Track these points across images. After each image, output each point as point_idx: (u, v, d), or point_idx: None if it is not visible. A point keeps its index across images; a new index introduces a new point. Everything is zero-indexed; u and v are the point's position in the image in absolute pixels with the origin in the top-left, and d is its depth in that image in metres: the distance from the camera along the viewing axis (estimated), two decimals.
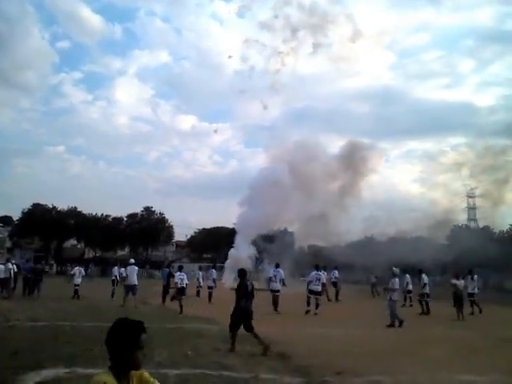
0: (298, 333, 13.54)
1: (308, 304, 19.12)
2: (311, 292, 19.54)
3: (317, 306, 19.04)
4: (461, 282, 19.17)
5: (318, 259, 39.63)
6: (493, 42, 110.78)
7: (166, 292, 21.89)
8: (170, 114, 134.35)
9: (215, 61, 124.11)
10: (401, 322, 15.36)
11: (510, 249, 41.69)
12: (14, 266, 23.97)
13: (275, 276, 19.85)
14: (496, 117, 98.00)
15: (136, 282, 19.93)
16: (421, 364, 9.11)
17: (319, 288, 19.67)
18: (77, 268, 25.25)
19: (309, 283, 19.88)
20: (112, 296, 23.13)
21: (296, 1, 62.90)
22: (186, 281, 19.67)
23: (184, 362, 9.06)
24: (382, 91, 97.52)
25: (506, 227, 59.90)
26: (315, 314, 18.59)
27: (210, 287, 24.29)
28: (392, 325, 15.30)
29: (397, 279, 16.39)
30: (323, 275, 20.48)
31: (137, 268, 20.76)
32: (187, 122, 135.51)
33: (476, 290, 21.12)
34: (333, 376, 8.10)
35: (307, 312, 18.62)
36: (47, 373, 7.73)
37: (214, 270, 26.25)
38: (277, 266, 20.90)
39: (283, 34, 57.15)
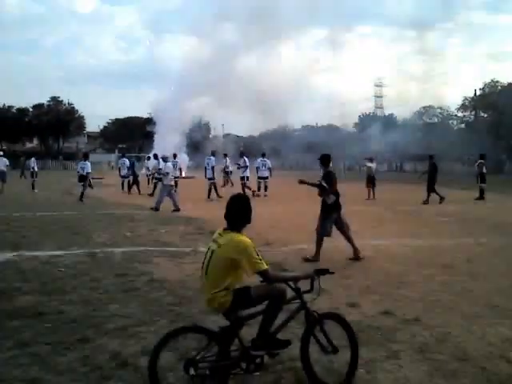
0: None
1: (259, 189, 21.01)
2: (260, 178, 21.21)
3: (265, 188, 20.97)
4: (374, 165, 20.81)
5: (235, 148, 40.73)
6: None
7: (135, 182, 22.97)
8: None
9: None
10: (157, 209, 15.19)
11: (410, 135, 44.76)
12: None
13: (208, 164, 20.38)
14: (403, 6, 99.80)
15: (5, 170, 22.90)
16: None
17: (266, 173, 21.13)
18: None
19: (257, 170, 21.27)
20: (33, 188, 22.88)
21: None
22: (87, 169, 19.45)
23: (125, 242, 9.71)
24: None
25: (409, 115, 63.40)
26: (265, 195, 20.55)
27: (123, 176, 23.94)
28: (157, 208, 15.10)
29: (169, 164, 16.64)
30: (268, 161, 21.67)
31: (5, 159, 23.65)
32: (87, 3, 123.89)
33: None
34: (262, 246, 9.04)
35: (257, 195, 20.29)
36: None
37: (126, 159, 25.29)
38: (212, 154, 21.33)
39: None
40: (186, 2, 72.79)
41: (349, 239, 8.37)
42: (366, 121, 65.62)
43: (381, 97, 78.90)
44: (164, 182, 15.98)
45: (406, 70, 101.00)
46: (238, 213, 3.61)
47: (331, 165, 8.86)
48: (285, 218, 13.75)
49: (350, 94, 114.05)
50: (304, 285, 3.65)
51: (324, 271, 3.67)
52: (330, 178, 8.34)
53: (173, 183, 16.51)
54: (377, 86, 78.48)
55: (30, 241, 9.69)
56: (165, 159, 17.37)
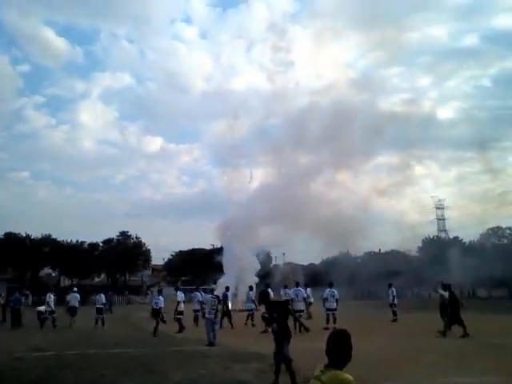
0: (298, 348, 14.07)
1: (327, 321, 19.76)
2: (328, 309, 20.23)
3: (334, 320, 19.74)
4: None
5: (298, 277, 40.37)
6: (449, 58, 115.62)
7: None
8: (136, 136, 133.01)
9: (180, 81, 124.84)
10: (211, 343, 15.20)
11: (481, 259, 43.09)
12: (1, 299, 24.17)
13: (297, 295, 20.01)
14: (457, 130, 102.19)
15: (77, 305, 24.58)
16: (420, 370, 9.79)
17: (334, 305, 20.29)
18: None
19: (324, 301, 20.49)
20: (102, 324, 23.20)
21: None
22: (160, 304, 19.91)
23: (202, 380, 9.61)
24: (344, 107, 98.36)
25: (476, 237, 61.81)
26: (334, 328, 19.02)
27: (196, 310, 23.87)
28: (211, 343, 15.14)
29: (207, 296, 17.47)
30: (336, 292, 20.89)
31: (77, 295, 25.28)
32: (154, 143, 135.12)
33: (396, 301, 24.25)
34: None
35: (326, 328, 18.30)
36: None
37: (198, 292, 25.53)
38: (297, 284, 21.31)
39: (245, 51, 58.36)
40: (245, 138, 77.24)
41: (278, 372, 9.11)
42: (429, 245, 64.32)
43: (443, 219, 77.74)
44: (206, 315, 16.10)
45: (469, 191, 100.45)
46: (339, 349, 3.63)
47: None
48: (361, 353, 13.15)
49: (411, 217, 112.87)
50: None
51: None
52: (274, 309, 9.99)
53: (213, 316, 15.85)
54: (438, 208, 77.72)
55: (108, 380, 9.78)
56: (211, 291, 17.50)
